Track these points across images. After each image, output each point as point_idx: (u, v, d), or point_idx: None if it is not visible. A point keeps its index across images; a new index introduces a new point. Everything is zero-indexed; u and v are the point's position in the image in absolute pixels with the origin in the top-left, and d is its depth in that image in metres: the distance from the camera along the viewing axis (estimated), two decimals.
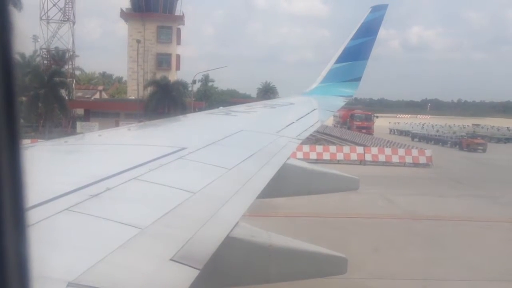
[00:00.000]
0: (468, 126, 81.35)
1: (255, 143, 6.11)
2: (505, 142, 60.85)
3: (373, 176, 26.05)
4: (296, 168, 6.03)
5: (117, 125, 38.61)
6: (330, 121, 67.81)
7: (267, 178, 4.37)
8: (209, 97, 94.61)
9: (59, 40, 63.00)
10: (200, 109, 48.78)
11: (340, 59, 14.09)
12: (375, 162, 33.47)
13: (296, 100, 13.93)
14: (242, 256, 3.37)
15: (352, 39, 13.95)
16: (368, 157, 33.97)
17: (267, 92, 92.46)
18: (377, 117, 68.18)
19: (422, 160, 34.08)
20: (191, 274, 2.19)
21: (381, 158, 34.09)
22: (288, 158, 5.76)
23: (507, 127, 78.92)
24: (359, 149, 35.58)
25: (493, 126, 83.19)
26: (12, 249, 1.07)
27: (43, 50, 63.37)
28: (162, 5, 70.84)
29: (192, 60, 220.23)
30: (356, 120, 63.22)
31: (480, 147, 46.57)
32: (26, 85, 54.58)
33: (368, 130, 60.43)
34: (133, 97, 65.49)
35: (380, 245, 14.44)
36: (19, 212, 1.09)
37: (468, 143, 47.77)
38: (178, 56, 74.92)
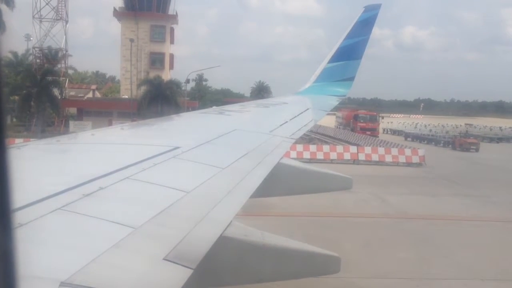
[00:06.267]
0: (461, 125, 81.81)
1: (249, 142, 6.11)
2: (497, 142, 61.26)
3: (366, 175, 26.13)
4: (289, 168, 6.02)
5: (110, 124, 38.47)
6: (331, 122, 67.11)
7: (261, 178, 4.37)
8: (203, 97, 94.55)
9: (52, 39, 62.77)
10: (194, 109, 48.69)
11: (334, 59, 14.09)
12: (368, 162, 33.57)
13: (290, 99, 13.93)
14: (236, 256, 3.37)
15: (346, 38, 13.96)
16: (361, 157, 34.07)
17: (261, 92, 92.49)
18: (382, 118, 65.41)
19: (415, 159, 34.21)
20: (185, 273, 2.19)
21: (374, 157, 34.19)
22: (282, 158, 5.76)
23: (500, 127, 79.59)
24: (353, 149, 35.68)
25: (486, 126, 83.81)
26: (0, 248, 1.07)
27: (36, 49, 63.03)
28: (156, 4, 70.63)
29: (185, 60, 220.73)
30: (360, 121, 59.84)
31: (473, 147, 46.82)
32: (19, 84, 54.45)
33: (373, 132, 57.61)
34: (126, 96, 65.27)
35: (373, 245, 14.49)
36: (6, 211, 1.08)
37: (461, 142, 47.98)
38: (171, 55, 74.75)
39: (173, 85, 59.10)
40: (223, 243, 2.87)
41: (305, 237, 13.37)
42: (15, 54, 62.77)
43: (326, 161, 32.67)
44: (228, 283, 3.57)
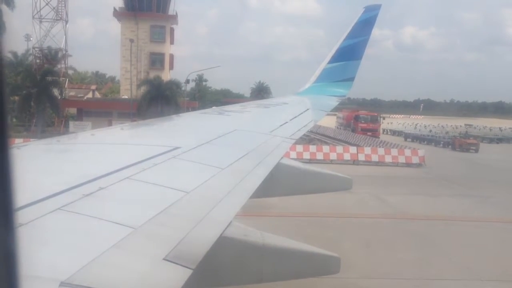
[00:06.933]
0: (460, 126, 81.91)
1: (249, 142, 6.11)
2: (497, 142, 61.27)
3: (366, 176, 26.13)
4: (289, 168, 6.03)
5: (110, 124, 38.47)
6: (332, 123, 66.93)
7: (261, 178, 4.36)
8: (203, 97, 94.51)
9: (52, 39, 62.88)
10: (194, 109, 48.68)
11: (334, 59, 14.10)
12: (368, 162, 33.56)
13: (290, 100, 13.93)
14: (236, 256, 3.37)
15: (346, 39, 13.96)
16: (361, 157, 34.08)
17: (261, 92, 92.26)
18: (383, 118, 64.93)
19: (415, 160, 34.21)
20: (184, 273, 2.19)
21: (374, 158, 34.20)
22: (282, 158, 5.76)
23: (500, 127, 79.68)
24: (352, 149, 35.68)
25: (486, 126, 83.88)
26: (0, 248, 1.07)
27: (36, 49, 63.09)
28: (156, 4, 70.65)
29: (185, 60, 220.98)
30: (361, 122, 59.16)
31: (472, 147, 46.83)
32: (19, 84, 54.40)
33: (374, 132, 57.07)
34: (126, 97, 65.28)
35: (372, 245, 14.49)
36: (8, 211, 1.08)
37: (461, 143, 48.00)
38: (171, 56, 74.75)
39: (173, 86, 59.03)
40: (223, 243, 2.87)
41: (305, 237, 13.36)
42: (15, 54, 62.66)
43: (326, 161, 32.69)
44: (228, 283, 3.57)
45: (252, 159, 5.07)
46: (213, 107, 12.89)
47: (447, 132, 64.88)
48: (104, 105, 63.73)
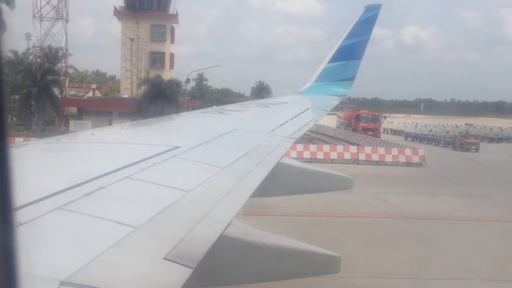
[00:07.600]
0: (461, 125, 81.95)
1: (249, 142, 6.11)
2: (498, 142, 61.30)
3: (366, 175, 26.11)
4: (289, 167, 6.03)
5: (110, 123, 38.47)
6: (332, 122, 66.78)
7: (261, 177, 4.37)
8: (203, 96, 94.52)
9: (52, 38, 62.77)
10: (194, 108, 48.67)
11: (334, 59, 14.11)
12: (368, 162, 33.52)
13: (290, 99, 13.95)
14: (236, 255, 3.37)
15: (346, 38, 13.97)
16: (361, 157, 34.03)
17: (261, 91, 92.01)
18: (384, 118, 64.50)
19: (415, 159, 34.17)
20: (185, 273, 2.19)
21: (375, 157, 34.15)
22: (282, 157, 5.76)
23: (500, 127, 79.71)
24: (353, 148, 35.63)
25: (486, 126, 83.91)
26: (0, 247, 1.07)
27: (36, 48, 63.01)
28: (156, 3, 70.61)
29: (186, 59, 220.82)
30: (362, 121, 58.69)
31: (473, 147, 46.79)
32: (19, 83, 54.35)
33: (375, 132, 56.75)
34: (127, 96, 65.26)
35: (373, 244, 14.47)
36: (7, 210, 1.08)
37: (461, 142, 47.98)
38: (171, 55, 74.69)
39: (174, 85, 58.90)
40: (223, 243, 2.87)
41: (305, 237, 13.31)
42: (15, 53, 62.64)
43: (327, 161, 32.65)
44: (228, 283, 3.57)
45: (252, 159, 5.08)
46: (214, 106, 12.90)
47: (447, 132, 64.90)
48: (105, 104, 63.62)
